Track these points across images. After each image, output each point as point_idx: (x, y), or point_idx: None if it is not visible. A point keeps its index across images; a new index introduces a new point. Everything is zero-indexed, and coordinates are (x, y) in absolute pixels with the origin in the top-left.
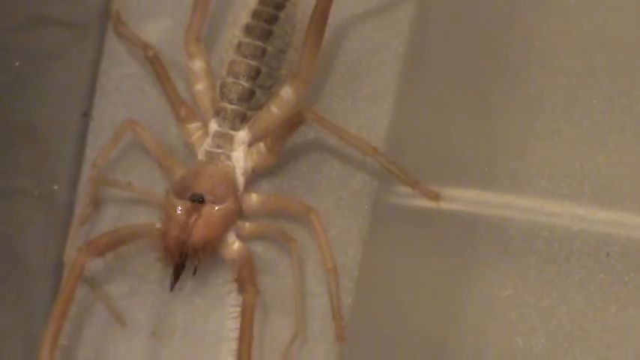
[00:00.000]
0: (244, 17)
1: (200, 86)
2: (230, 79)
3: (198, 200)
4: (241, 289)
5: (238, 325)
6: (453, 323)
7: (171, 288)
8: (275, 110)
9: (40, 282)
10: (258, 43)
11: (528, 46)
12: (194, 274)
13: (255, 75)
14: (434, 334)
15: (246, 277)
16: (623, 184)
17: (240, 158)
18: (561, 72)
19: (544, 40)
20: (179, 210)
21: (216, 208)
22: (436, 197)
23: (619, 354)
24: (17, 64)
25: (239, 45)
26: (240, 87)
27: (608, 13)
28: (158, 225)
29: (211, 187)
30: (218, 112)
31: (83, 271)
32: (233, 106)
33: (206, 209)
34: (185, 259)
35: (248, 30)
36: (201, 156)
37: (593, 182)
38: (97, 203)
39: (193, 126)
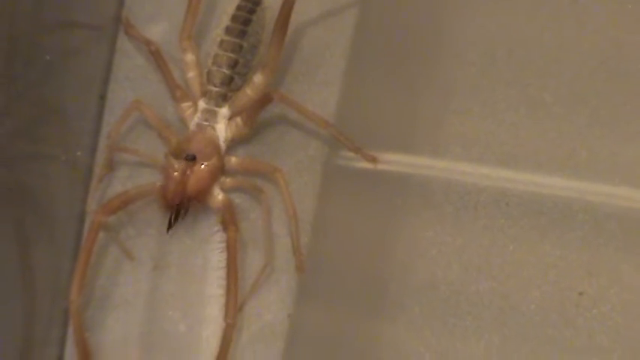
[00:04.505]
0: (225, 20)
1: (191, 74)
2: (214, 68)
3: (192, 158)
4: (225, 229)
5: (224, 258)
6: (387, 258)
7: (168, 230)
8: (249, 92)
9: (67, 227)
10: (236, 40)
11: (446, 44)
12: (184, 217)
13: (234, 65)
14: (371, 266)
15: (229, 219)
16: (518, 150)
17: (222, 129)
18: (470, 64)
19: (458, 38)
20: (176, 167)
21: (205, 164)
22: (374, 160)
23: (515, 281)
24: (48, 57)
25: (221, 42)
26: (223, 74)
27: (508, 18)
28: (159, 183)
29: (201, 149)
30: (205, 94)
31: (100, 228)
32: (217, 89)
33: (197, 166)
34: (181, 208)
35: (228, 30)
36: (192, 128)
37: (496, 149)
38: (111, 166)
39: (186, 105)
